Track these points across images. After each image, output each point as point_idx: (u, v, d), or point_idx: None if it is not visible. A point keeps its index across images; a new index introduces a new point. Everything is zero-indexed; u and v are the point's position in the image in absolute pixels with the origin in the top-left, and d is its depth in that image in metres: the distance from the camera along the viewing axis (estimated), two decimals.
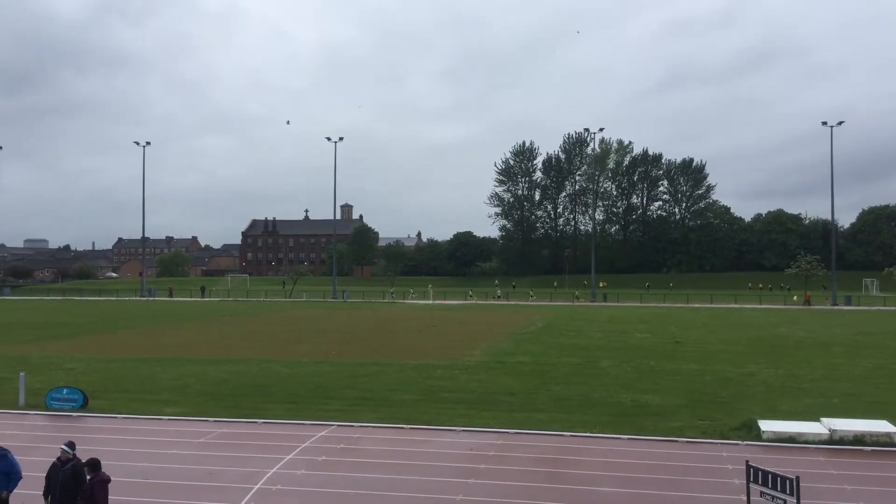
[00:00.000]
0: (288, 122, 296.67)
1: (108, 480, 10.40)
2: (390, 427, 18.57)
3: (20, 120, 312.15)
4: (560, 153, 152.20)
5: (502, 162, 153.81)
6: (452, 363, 30.13)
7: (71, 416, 20.04)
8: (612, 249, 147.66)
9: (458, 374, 27.35)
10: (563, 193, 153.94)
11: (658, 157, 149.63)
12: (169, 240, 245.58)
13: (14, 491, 10.79)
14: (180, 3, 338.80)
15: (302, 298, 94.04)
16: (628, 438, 17.50)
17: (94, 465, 10.34)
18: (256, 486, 13.67)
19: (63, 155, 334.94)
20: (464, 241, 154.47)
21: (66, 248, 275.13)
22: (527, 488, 13.72)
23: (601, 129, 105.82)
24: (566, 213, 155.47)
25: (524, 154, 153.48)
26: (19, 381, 21.68)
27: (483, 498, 13.18)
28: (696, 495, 13.40)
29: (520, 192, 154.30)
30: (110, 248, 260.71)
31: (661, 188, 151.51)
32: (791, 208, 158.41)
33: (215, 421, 19.34)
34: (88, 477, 10.20)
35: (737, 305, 79.29)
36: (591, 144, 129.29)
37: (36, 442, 16.60)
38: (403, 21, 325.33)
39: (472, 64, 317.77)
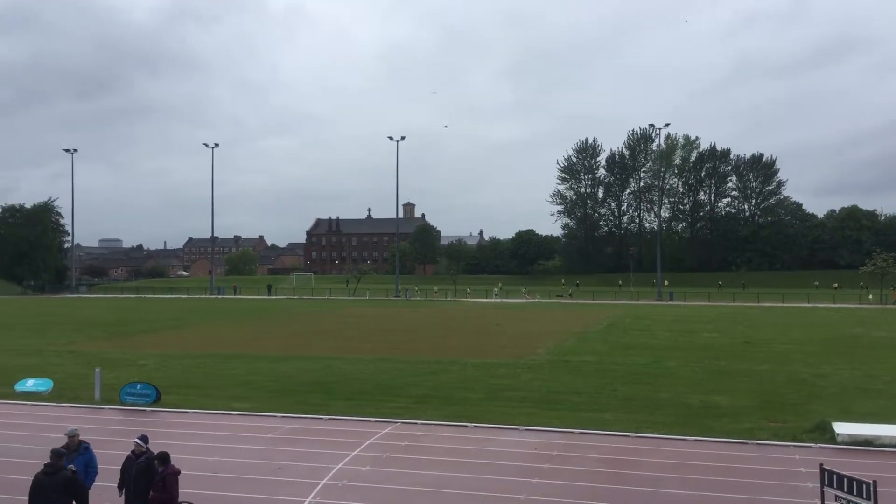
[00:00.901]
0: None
1: (178, 473, 10.66)
2: (454, 425, 18.59)
3: (96, 123, 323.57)
4: (624, 150, 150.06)
5: (565, 159, 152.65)
6: (515, 362, 30.01)
7: (144, 410, 20.64)
8: (679, 247, 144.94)
9: (522, 372, 27.22)
10: (628, 190, 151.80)
11: (726, 153, 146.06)
12: (237, 239, 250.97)
13: (93, 484, 11.12)
14: (248, 7, 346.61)
15: (365, 297, 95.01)
16: (696, 440, 17.14)
17: (165, 458, 10.60)
18: (323, 481, 13.85)
19: (136, 157, 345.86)
20: (526, 240, 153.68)
21: (139, 247, 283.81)
22: (591, 489, 13.56)
23: (666, 125, 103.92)
24: (630, 211, 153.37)
25: (587, 151, 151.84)
26: (95, 376, 22.45)
27: (547, 498, 13.08)
28: (767, 499, 13.04)
29: (583, 189, 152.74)
30: (181, 247, 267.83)
31: (730, 184, 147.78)
32: (866, 204, 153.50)
33: (282, 416, 19.67)
34: (160, 469, 10.46)
35: (809, 305, 76.93)
36: (657, 140, 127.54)
37: (111, 436, 17.12)
38: (464, 19, 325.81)
39: (534, 61, 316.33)
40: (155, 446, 11.57)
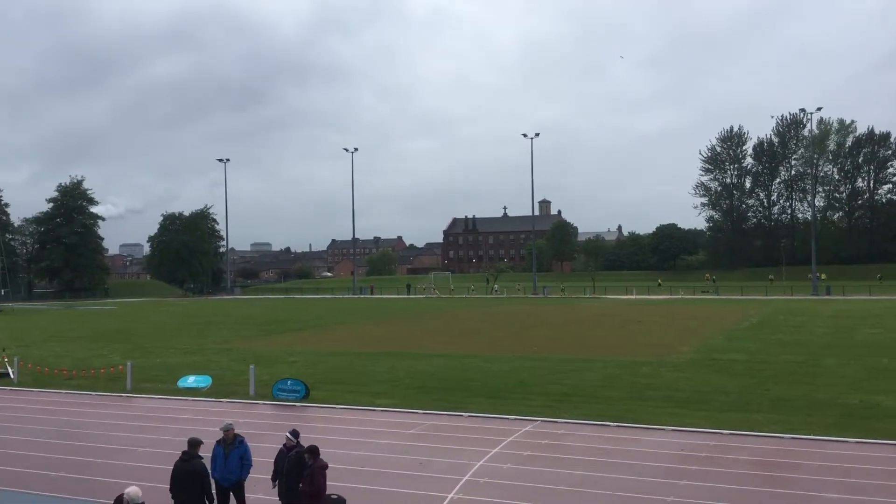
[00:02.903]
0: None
1: (326, 467, 11.00)
2: (596, 424, 18.25)
3: (248, 133, 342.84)
4: (773, 137, 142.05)
5: (708, 149, 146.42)
6: (659, 360, 29.12)
7: (294, 406, 21.54)
8: (835, 238, 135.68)
9: (666, 371, 26.37)
10: (777, 180, 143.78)
11: (886, 136, 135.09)
12: (377, 240, 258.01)
13: (248, 476, 11.68)
14: (390, 13, 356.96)
15: (502, 294, 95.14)
16: (856, 442, 16.00)
17: (314, 451, 10.97)
18: (465, 478, 13.94)
19: (284, 164, 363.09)
20: (667, 234, 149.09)
21: (287, 250, 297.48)
22: (743, 492, 12.92)
23: (819, 109, 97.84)
24: (781, 201, 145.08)
25: (732, 140, 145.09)
26: (250, 373, 23.68)
27: (695, 500, 12.57)
28: None
29: (728, 180, 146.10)
30: (325, 249, 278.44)
31: (891, 169, 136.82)
32: None
33: (423, 413, 19.99)
34: (308, 463, 10.83)
35: None
36: (808, 126, 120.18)
37: (264, 429, 17.96)
38: (605, 10, 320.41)
39: (677, 48, 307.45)
40: (304, 440, 12.00)
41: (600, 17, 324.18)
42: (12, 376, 26.87)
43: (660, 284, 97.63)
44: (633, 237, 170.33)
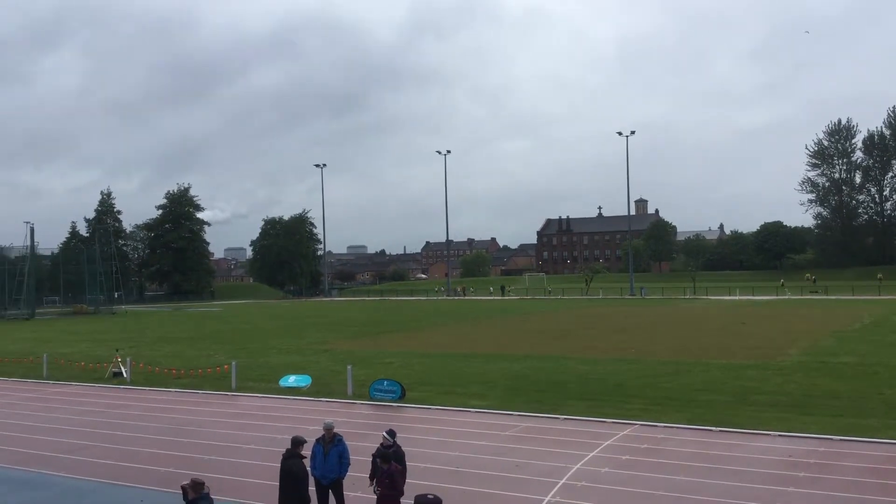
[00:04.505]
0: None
1: (402, 470, 11.11)
2: (697, 429, 17.69)
3: (344, 138, 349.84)
4: (884, 129, 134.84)
5: (815, 143, 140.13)
6: (764, 363, 28.03)
7: (391, 406, 21.79)
8: None
9: (772, 374, 25.34)
10: (891, 174, 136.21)
11: None
12: (470, 241, 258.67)
13: (346, 474, 11.87)
14: (485, 15, 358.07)
15: (598, 296, 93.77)
16: None
17: (387, 458, 11.09)
18: (561, 481, 13.76)
19: (379, 167, 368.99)
20: (772, 232, 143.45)
21: (382, 252, 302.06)
22: (855, 501, 12.26)
23: None
24: (894, 196, 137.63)
25: (840, 133, 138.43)
26: (347, 373, 24.11)
27: None
28: None
29: (836, 175, 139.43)
30: (419, 251, 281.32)
31: None
32: None
33: (519, 415, 19.86)
34: (384, 468, 10.93)
35: None
36: None
37: (362, 429, 18.21)
38: (706, 2, 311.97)
39: (783, 39, 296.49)
40: (400, 440, 12.13)
41: (701, 9, 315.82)
42: (125, 375, 28.25)
43: (783, 285, 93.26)
44: (736, 236, 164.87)
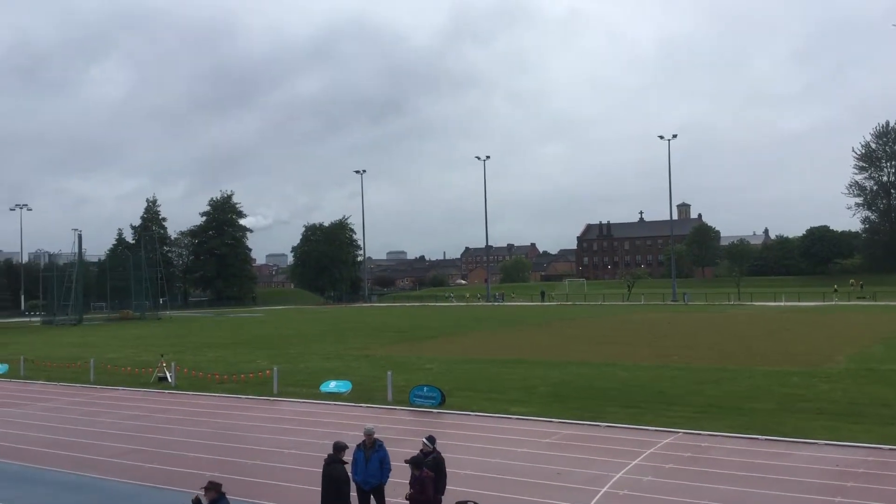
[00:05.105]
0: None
1: (434, 477, 11.09)
2: (742, 437, 17.39)
3: (383, 144, 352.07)
4: None
5: (862, 146, 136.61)
6: (811, 370, 27.46)
7: (430, 412, 21.80)
8: None
9: (819, 382, 24.82)
10: None
11: None
12: (510, 247, 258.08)
13: (388, 480, 11.90)
14: (524, 18, 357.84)
15: (640, 301, 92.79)
16: None
17: (418, 463, 11.08)
18: (603, 489, 13.62)
19: (419, 173, 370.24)
20: (819, 237, 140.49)
21: (422, 258, 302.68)
22: None
23: None
24: None
25: (889, 135, 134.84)
26: (387, 379, 24.19)
27: None
28: None
29: (885, 178, 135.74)
30: (458, 256, 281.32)
31: None
32: None
33: (560, 422, 19.73)
34: (416, 474, 10.93)
35: None
36: None
37: (402, 435, 18.24)
38: (748, 2, 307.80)
39: (827, 38, 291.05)
40: (439, 447, 12.13)
41: (741, 10, 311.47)
42: (170, 380, 28.72)
43: (836, 290, 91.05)
44: (781, 240, 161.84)
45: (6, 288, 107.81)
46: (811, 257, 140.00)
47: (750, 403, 21.37)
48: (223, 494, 9.53)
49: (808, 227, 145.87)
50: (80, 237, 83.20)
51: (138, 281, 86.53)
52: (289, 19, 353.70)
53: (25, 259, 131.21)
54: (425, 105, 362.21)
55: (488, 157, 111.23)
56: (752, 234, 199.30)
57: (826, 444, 16.49)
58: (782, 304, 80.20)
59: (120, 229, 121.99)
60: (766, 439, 17.13)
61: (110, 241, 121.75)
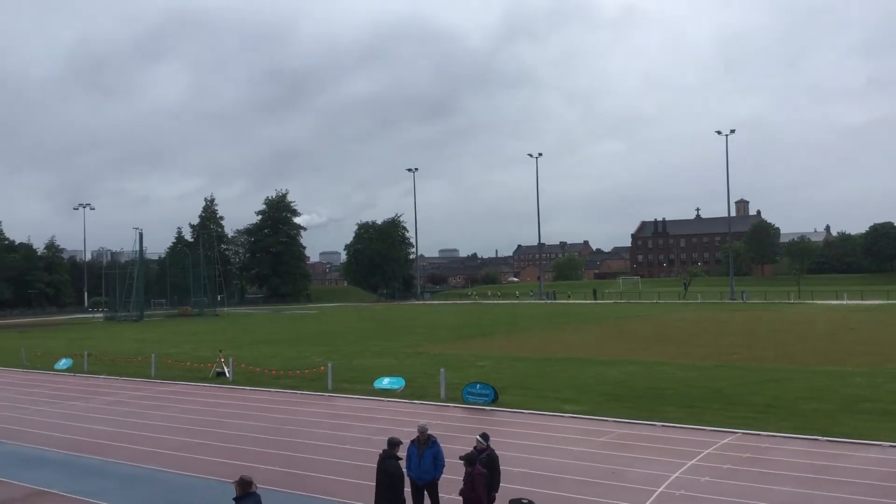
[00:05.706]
0: None
1: (486, 474, 11.08)
2: (803, 438, 16.98)
3: (436, 143, 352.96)
4: None
5: None
6: (874, 370, 26.67)
7: (483, 409, 21.79)
8: None
9: (883, 382, 24.09)
10: None
11: None
12: (562, 245, 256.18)
13: (441, 476, 11.96)
14: (580, 15, 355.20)
15: (696, 300, 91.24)
16: None
17: (471, 460, 11.08)
18: (659, 489, 13.46)
19: (471, 171, 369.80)
20: (883, 233, 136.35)
21: (474, 256, 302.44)
22: None
23: None
24: None
25: None
26: (440, 376, 24.27)
27: None
28: None
29: None
30: (511, 254, 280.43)
31: None
32: None
33: (614, 421, 19.55)
34: (468, 470, 10.94)
35: None
36: None
37: (455, 432, 18.28)
38: None
39: (889, 32, 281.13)
40: (493, 444, 12.13)
41: (801, 4, 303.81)
42: (228, 375, 29.30)
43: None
44: (844, 237, 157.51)
45: (70, 285, 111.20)
46: (874, 255, 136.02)
47: (810, 404, 20.87)
48: (251, 493, 9.30)
49: (872, 224, 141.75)
50: (140, 236, 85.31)
51: (197, 278, 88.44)
52: (342, 20, 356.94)
53: (88, 257, 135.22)
54: (477, 103, 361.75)
55: (540, 154, 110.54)
56: (812, 231, 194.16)
57: (890, 446, 16.02)
58: (844, 302, 78.00)
59: (179, 228, 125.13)
60: (827, 440, 16.71)
61: (170, 240, 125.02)
